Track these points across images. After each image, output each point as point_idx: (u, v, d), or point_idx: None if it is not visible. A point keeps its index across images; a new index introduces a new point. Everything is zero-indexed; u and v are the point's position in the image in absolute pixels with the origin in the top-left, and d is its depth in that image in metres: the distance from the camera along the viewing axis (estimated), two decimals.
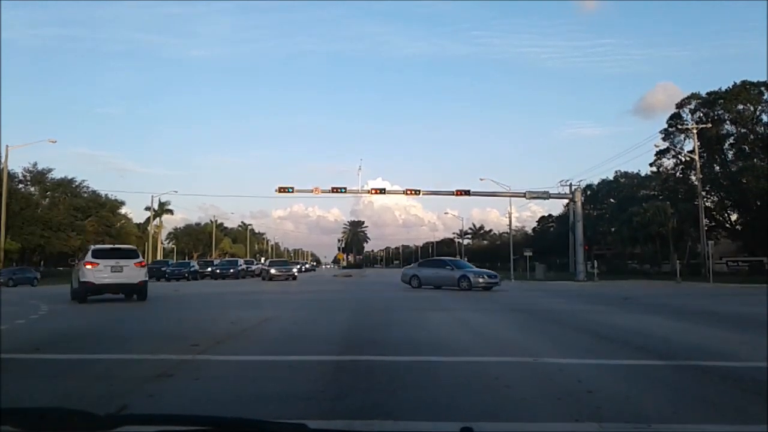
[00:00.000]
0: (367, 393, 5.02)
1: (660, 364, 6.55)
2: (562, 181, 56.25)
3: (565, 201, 48.33)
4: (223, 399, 4.97)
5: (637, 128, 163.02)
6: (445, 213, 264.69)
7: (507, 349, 7.98)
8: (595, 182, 63.40)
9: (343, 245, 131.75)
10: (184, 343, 8.10)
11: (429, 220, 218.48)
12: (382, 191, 50.74)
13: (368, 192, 51.19)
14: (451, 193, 44.89)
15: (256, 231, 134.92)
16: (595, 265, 41.03)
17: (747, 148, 47.22)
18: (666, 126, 51.37)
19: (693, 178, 47.23)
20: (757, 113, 47.23)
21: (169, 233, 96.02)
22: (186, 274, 45.10)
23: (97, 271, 17.52)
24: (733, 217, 51.36)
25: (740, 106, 46.82)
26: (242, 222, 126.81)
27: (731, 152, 49.39)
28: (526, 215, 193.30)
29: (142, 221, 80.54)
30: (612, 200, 61.32)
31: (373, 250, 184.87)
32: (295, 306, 16.51)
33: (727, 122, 48.46)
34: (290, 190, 43.69)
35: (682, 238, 48.49)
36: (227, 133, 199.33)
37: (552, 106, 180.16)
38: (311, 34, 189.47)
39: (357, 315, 13.33)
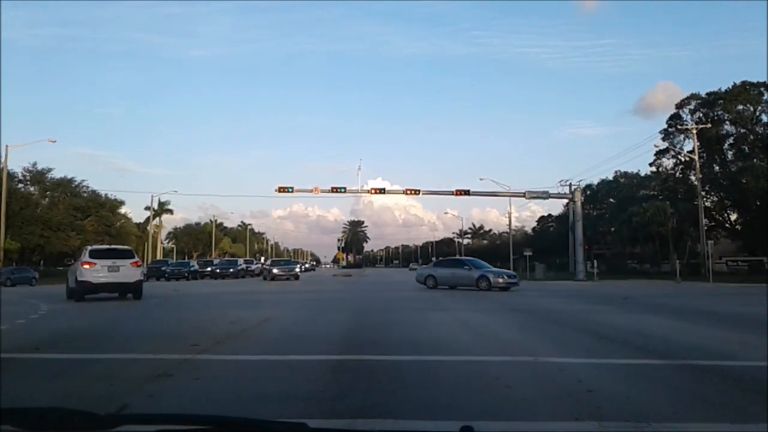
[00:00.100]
0: (367, 393, 5.01)
1: (660, 363, 6.55)
2: (561, 181, 56.33)
3: (565, 201, 48.35)
4: (223, 399, 4.97)
5: (637, 128, 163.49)
6: (445, 213, 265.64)
7: (507, 348, 7.97)
8: (595, 182, 63.68)
9: (342, 245, 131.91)
10: (184, 343, 8.09)
11: (429, 219, 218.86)
12: (382, 191, 50.77)
13: (368, 192, 51.34)
14: (451, 193, 44.96)
15: (256, 231, 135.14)
16: (595, 265, 41.06)
17: (747, 149, 47.29)
18: (666, 126, 51.53)
19: (693, 178, 47.27)
20: (757, 113, 47.33)
21: (169, 233, 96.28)
22: (186, 274, 45.14)
23: (94, 271, 17.98)
24: (733, 216, 51.41)
25: (740, 107, 46.89)
26: (242, 222, 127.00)
27: (731, 152, 49.47)
28: (526, 215, 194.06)
29: (141, 221, 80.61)
30: (612, 200, 61.37)
31: (372, 250, 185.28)
32: (295, 306, 16.51)
33: (727, 122, 48.52)
34: (290, 190, 43.74)
35: (681, 237, 48.54)
36: (227, 133, 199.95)
37: (552, 106, 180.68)
38: (311, 34, 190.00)
39: (357, 315, 13.33)
